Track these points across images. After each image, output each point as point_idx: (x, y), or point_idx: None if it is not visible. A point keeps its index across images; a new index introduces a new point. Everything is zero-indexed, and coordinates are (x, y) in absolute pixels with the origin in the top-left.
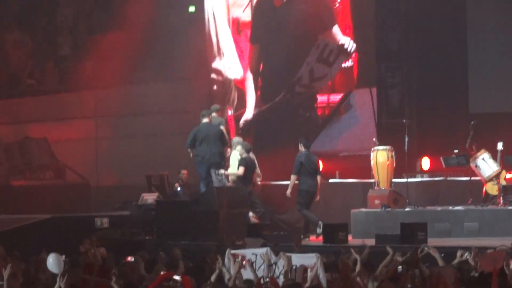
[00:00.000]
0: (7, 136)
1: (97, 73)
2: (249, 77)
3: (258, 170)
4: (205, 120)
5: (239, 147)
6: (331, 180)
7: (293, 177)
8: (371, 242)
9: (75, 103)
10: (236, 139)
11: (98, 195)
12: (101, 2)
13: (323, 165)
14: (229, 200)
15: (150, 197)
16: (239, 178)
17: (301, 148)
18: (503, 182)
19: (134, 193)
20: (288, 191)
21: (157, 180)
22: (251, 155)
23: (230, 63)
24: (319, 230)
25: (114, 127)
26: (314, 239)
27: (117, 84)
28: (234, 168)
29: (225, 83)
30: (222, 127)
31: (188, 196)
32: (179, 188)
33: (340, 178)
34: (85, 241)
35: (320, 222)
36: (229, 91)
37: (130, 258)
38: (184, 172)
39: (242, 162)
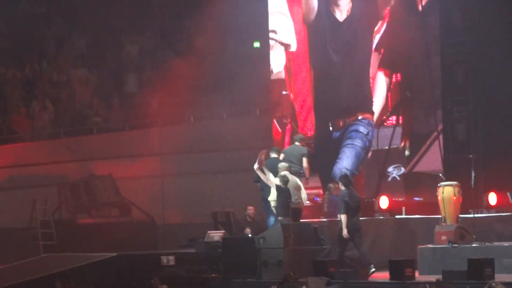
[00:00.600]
0: (73, 174)
1: (163, 109)
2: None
3: (303, 194)
4: (273, 155)
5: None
6: (397, 216)
7: (343, 217)
8: (434, 277)
9: (140, 140)
10: (282, 164)
11: (164, 233)
12: (166, 39)
13: (389, 203)
14: (295, 236)
15: (216, 235)
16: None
17: (341, 186)
18: None
19: (200, 231)
20: (345, 232)
21: (223, 217)
22: (291, 183)
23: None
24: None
25: (179, 164)
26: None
27: (182, 120)
28: (273, 194)
29: None
30: (304, 159)
31: (254, 233)
32: (250, 234)
33: (406, 214)
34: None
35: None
36: None
37: None
38: (250, 208)
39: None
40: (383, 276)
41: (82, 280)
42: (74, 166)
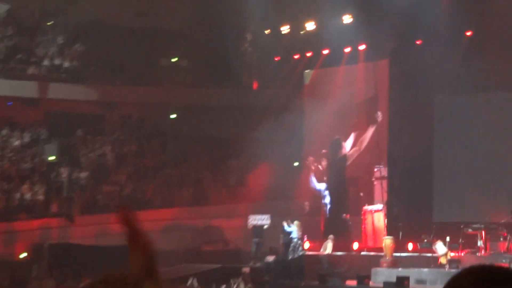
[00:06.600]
0: (200, 224)
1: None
2: None
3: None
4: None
5: None
6: (362, 253)
7: None
8: (380, 285)
9: (242, 209)
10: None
11: (245, 256)
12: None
13: (359, 246)
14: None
15: (270, 258)
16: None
17: None
18: (449, 257)
19: (263, 256)
20: None
21: (274, 249)
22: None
23: None
24: None
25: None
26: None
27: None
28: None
29: None
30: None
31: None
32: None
33: (367, 251)
34: (236, 279)
35: None
36: None
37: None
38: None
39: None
40: (353, 283)
41: (202, 280)
42: (200, 222)
